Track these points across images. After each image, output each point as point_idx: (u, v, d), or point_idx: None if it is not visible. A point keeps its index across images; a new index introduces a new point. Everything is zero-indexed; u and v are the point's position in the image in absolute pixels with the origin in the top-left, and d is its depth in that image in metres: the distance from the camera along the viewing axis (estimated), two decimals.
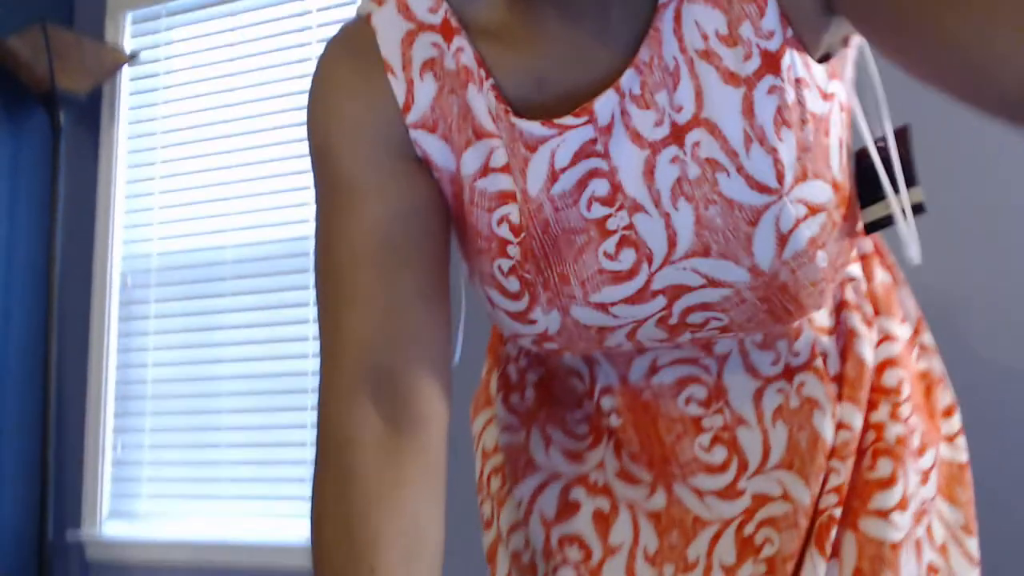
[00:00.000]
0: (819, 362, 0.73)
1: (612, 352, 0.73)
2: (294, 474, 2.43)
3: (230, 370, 2.56)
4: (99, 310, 2.72)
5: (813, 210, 0.63)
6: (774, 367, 0.74)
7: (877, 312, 0.77)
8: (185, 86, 2.76)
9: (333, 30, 2.54)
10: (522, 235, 0.66)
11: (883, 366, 0.75)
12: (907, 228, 0.68)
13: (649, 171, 0.63)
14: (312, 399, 2.43)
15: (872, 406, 0.73)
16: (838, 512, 0.69)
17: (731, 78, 0.61)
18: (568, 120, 0.63)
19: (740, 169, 0.62)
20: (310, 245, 2.49)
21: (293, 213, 2.54)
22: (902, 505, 0.70)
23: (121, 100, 2.82)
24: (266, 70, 2.64)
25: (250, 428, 2.51)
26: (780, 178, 0.62)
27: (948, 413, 0.80)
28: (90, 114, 2.82)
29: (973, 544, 0.76)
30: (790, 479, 0.71)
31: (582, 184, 0.65)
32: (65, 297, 2.75)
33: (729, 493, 0.73)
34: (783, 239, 0.63)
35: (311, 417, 2.43)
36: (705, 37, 0.61)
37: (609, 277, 0.66)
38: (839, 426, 0.71)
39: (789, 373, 0.74)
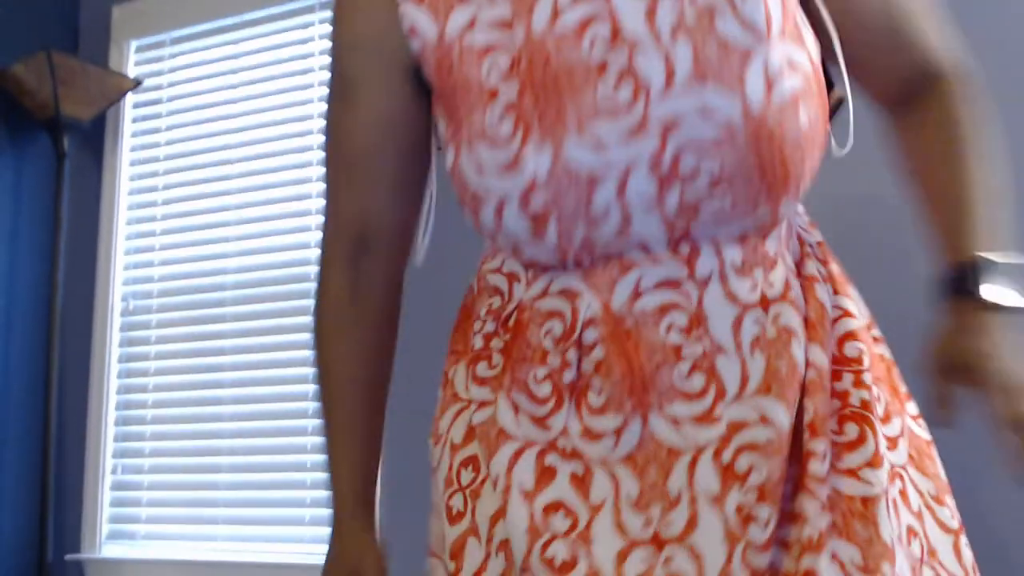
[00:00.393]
0: (793, 294, 0.75)
1: (596, 276, 0.76)
2: (293, 497, 2.44)
3: (230, 394, 2.57)
4: (100, 333, 2.74)
5: (794, 67, 0.72)
6: (752, 294, 0.75)
7: (836, 292, 0.80)
8: (187, 112, 2.79)
9: None
10: (518, 74, 0.74)
11: (843, 339, 0.77)
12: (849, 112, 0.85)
13: (650, 13, 0.73)
14: (312, 424, 2.45)
15: (836, 377, 0.75)
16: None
17: None
18: None
19: (735, 10, 0.72)
20: (311, 270, 2.51)
21: (294, 238, 2.56)
22: (873, 463, 0.71)
23: (124, 126, 2.86)
24: (268, 97, 2.67)
25: (249, 452, 2.52)
26: (768, 23, 0.72)
27: (908, 397, 0.83)
28: (93, 140, 2.85)
29: (946, 513, 0.78)
30: (768, 403, 0.71)
31: (584, 24, 0.73)
32: (67, 320, 2.77)
33: (705, 419, 0.73)
34: (770, 83, 0.71)
35: (310, 441, 2.44)
36: None
37: (607, 110, 0.72)
38: (807, 364, 0.73)
39: (765, 303, 0.75)
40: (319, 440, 2.46)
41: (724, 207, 0.74)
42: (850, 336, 0.77)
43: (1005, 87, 1.91)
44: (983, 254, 0.76)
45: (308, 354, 2.53)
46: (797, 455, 0.71)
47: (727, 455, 0.71)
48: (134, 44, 2.90)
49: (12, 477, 2.62)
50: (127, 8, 2.91)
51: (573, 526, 0.72)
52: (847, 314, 0.79)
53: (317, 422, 2.42)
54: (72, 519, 2.68)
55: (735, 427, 0.72)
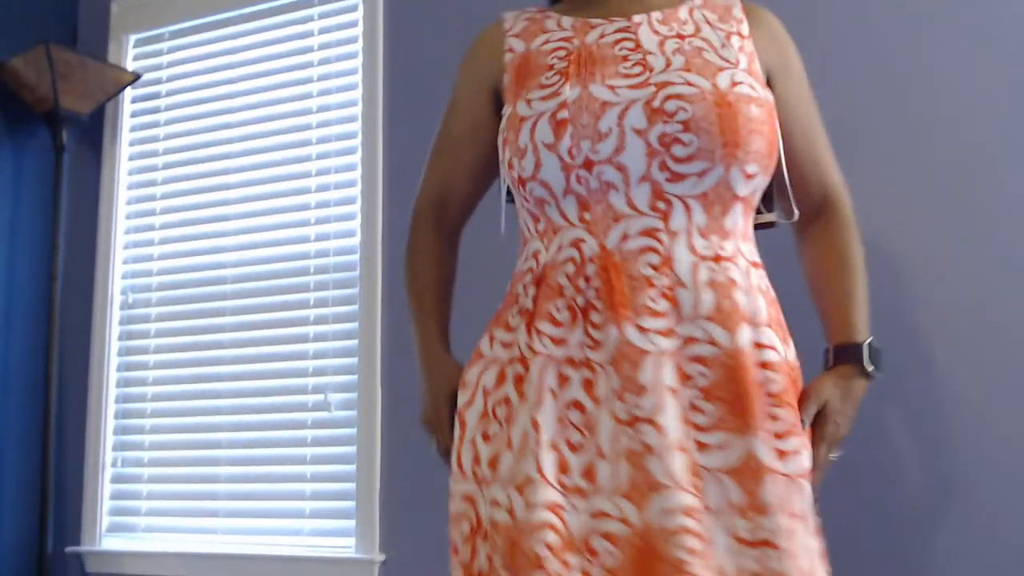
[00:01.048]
0: (740, 260, 1.08)
1: (593, 196, 1.08)
2: (292, 489, 2.45)
3: (229, 387, 2.59)
4: (100, 326, 2.75)
5: (752, 87, 1.09)
6: (708, 251, 1.06)
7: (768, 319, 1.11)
8: (186, 107, 2.80)
9: (333, 51, 2.59)
10: (569, 58, 1.13)
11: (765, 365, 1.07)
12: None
13: (661, 43, 1.13)
14: (311, 417, 2.46)
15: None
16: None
17: (723, 33, 1.16)
18: (618, 21, 1.17)
19: (716, 51, 1.12)
20: (310, 263, 2.53)
21: (293, 231, 2.57)
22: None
23: (123, 120, 2.86)
24: (267, 91, 2.68)
25: (249, 444, 2.53)
26: (737, 61, 1.12)
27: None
28: (92, 134, 2.86)
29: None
30: (713, 327, 1.03)
31: (617, 41, 1.14)
32: (66, 313, 2.78)
33: (666, 333, 1.03)
34: (733, 83, 1.08)
35: (310, 433, 2.45)
36: (709, 19, 1.19)
37: (623, 74, 1.10)
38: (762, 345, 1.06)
39: (718, 259, 1.06)
40: (318, 434, 2.49)
41: (690, 151, 1.05)
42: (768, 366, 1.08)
43: (1005, 87, 1.92)
44: (870, 341, 1.13)
45: (307, 347, 2.55)
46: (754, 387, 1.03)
47: (685, 360, 1.03)
48: (133, 38, 2.91)
49: (12, 470, 2.63)
50: (126, 2, 2.91)
51: (584, 419, 1.03)
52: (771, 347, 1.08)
53: (316, 415, 2.44)
54: (72, 512, 2.69)
55: (688, 341, 1.03)
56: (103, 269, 2.78)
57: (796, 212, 1.19)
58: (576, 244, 1.08)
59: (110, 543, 2.65)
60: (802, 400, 1.08)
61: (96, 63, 2.70)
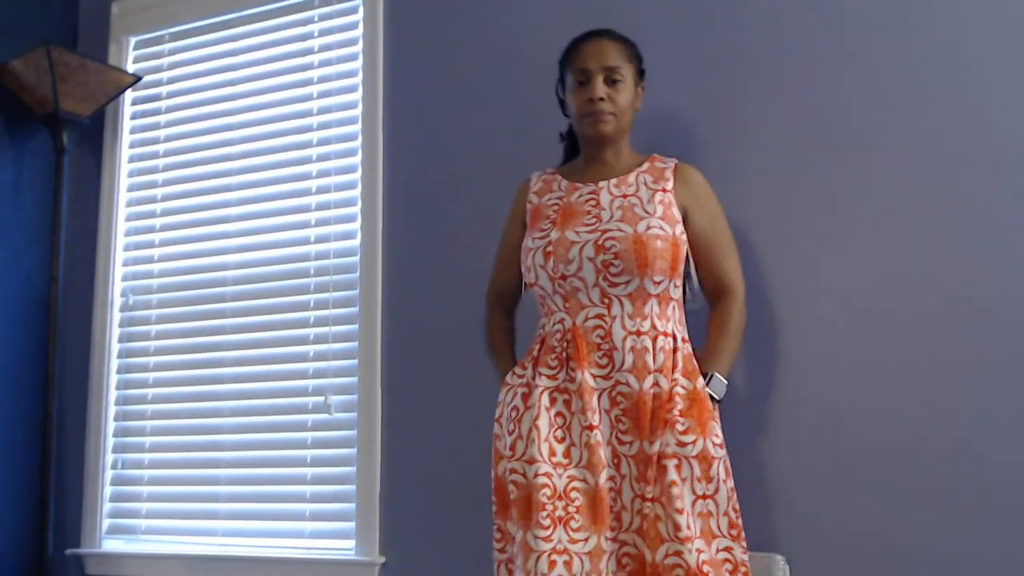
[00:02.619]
0: (652, 332, 1.72)
1: (569, 294, 1.76)
2: (292, 491, 2.45)
3: (230, 388, 2.58)
4: (100, 328, 2.75)
5: (662, 228, 1.74)
6: (632, 328, 1.72)
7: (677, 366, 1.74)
8: (187, 108, 2.80)
9: (333, 53, 2.59)
10: (558, 211, 1.82)
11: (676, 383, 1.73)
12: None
13: (611, 203, 1.80)
14: (311, 419, 2.46)
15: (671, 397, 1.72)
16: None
17: (652, 191, 1.81)
18: (590, 186, 1.84)
19: (643, 206, 1.78)
20: (310, 264, 2.53)
21: (293, 233, 2.58)
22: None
23: (123, 122, 2.87)
24: (267, 93, 2.69)
25: (249, 446, 2.53)
26: (655, 211, 1.76)
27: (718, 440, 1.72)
28: (93, 135, 2.86)
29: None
30: (630, 377, 1.69)
31: (588, 200, 1.82)
32: (67, 315, 2.78)
33: (605, 377, 1.71)
34: (648, 228, 1.74)
35: (310, 435, 2.45)
36: (648, 182, 1.83)
37: (583, 224, 1.77)
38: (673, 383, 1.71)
39: (638, 334, 1.72)
40: (319, 436, 2.49)
41: (620, 269, 1.72)
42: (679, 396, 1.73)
43: (1006, 86, 1.92)
44: (718, 373, 1.76)
45: (307, 348, 2.55)
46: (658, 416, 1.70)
47: (613, 392, 1.70)
48: (133, 40, 2.91)
49: (12, 471, 2.63)
50: (126, 4, 2.91)
51: (566, 422, 1.72)
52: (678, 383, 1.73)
53: (316, 417, 2.44)
54: (72, 513, 2.69)
55: (616, 383, 1.70)
56: (103, 270, 2.78)
57: (699, 298, 1.85)
58: (561, 321, 1.78)
59: (110, 545, 2.65)
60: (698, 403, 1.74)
61: (96, 65, 2.71)
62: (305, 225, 2.56)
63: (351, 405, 2.41)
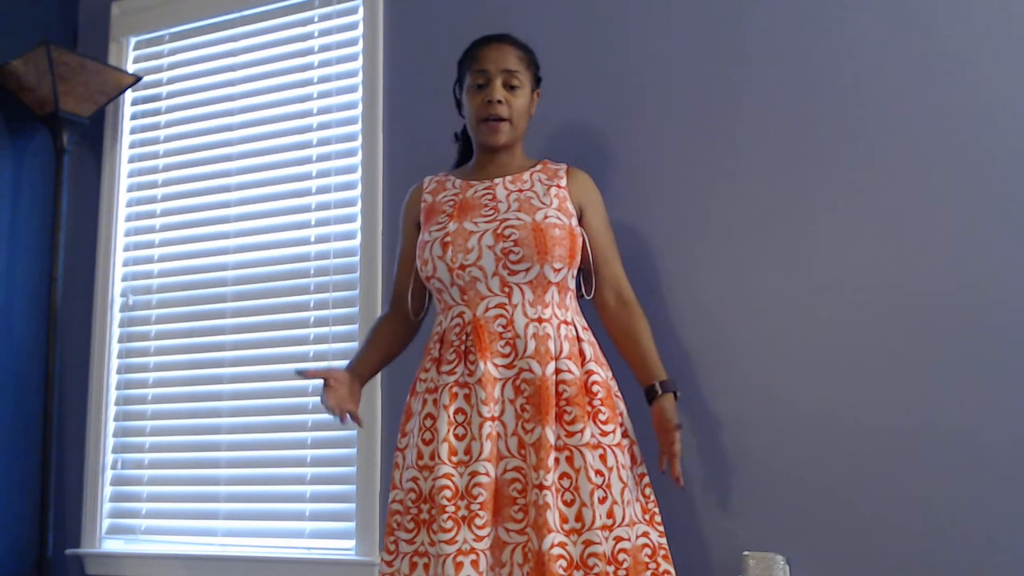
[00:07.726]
0: (553, 320, 1.74)
1: (467, 285, 1.75)
2: (292, 491, 2.45)
3: (229, 388, 2.59)
4: (100, 328, 2.75)
5: (558, 218, 1.77)
6: (534, 315, 1.72)
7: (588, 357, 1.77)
8: (187, 108, 2.80)
9: (333, 53, 2.59)
10: (454, 206, 1.82)
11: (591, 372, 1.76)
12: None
13: (508, 195, 1.81)
14: (311, 419, 2.46)
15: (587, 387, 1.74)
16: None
17: (546, 186, 1.84)
18: (486, 183, 1.86)
19: (539, 199, 1.80)
20: (311, 264, 2.54)
21: (293, 233, 2.58)
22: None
23: (123, 122, 2.87)
24: (267, 93, 2.69)
25: (249, 447, 2.53)
26: (551, 203, 1.79)
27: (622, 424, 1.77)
28: (93, 136, 2.86)
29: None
30: (533, 363, 1.69)
31: (484, 195, 1.82)
32: (67, 315, 2.78)
33: (508, 366, 1.71)
34: (546, 217, 1.76)
35: (310, 436, 2.45)
36: (542, 179, 1.86)
37: (482, 215, 1.78)
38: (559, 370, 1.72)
39: (540, 321, 1.72)
40: (319, 436, 2.49)
41: (519, 257, 1.72)
42: (596, 383, 1.75)
43: (1006, 86, 1.92)
44: (666, 377, 1.81)
45: (307, 348, 2.55)
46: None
47: (517, 381, 1.70)
48: (133, 40, 2.91)
49: (12, 471, 2.63)
50: (126, 4, 2.91)
51: (466, 417, 1.69)
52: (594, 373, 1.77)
53: (316, 417, 2.45)
54: (72, 514, 2.69)
55: (520, 370, 1.70)
56: (103, 270, 2.78)
57: (593, 291, 1.87)
58: (460, 315, 1.76)
59: (110, 545, 2.65)
60: (661, 417, 1.78)
61: (96, 65, 2.70)
62: (305, 225, 2.56)
63: None
